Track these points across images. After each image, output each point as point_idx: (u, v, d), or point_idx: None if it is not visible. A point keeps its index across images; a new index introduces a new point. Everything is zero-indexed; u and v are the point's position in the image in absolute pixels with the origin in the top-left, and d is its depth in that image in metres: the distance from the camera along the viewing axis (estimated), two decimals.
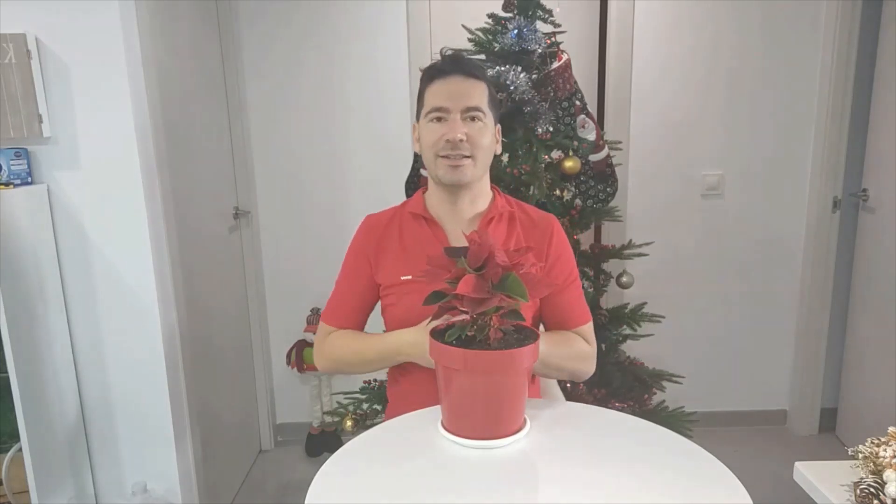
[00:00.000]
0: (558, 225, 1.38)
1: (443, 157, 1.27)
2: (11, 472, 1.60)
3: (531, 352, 1.02)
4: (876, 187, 2.64)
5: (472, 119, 1.27)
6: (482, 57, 1.95)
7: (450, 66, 1.29)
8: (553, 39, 1.95)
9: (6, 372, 1.52)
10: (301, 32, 2.60)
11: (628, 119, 2.70)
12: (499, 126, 1.36)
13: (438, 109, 1.27)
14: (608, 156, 1.99)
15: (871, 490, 1.00)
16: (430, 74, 1.31)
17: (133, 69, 1.69)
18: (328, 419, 2.70)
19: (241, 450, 2.66)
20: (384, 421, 1.23)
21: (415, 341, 1.23)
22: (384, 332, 1.37)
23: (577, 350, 1.33)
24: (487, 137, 1.29)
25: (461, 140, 1.25)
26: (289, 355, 2.79)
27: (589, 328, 1.37)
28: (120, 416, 1.83)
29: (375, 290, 1.37)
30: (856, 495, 1.02)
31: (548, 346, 1.24)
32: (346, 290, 1.39)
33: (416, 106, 1.36)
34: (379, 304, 1.40)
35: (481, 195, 1.36)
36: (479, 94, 1.28)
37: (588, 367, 1.35)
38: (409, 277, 1.29)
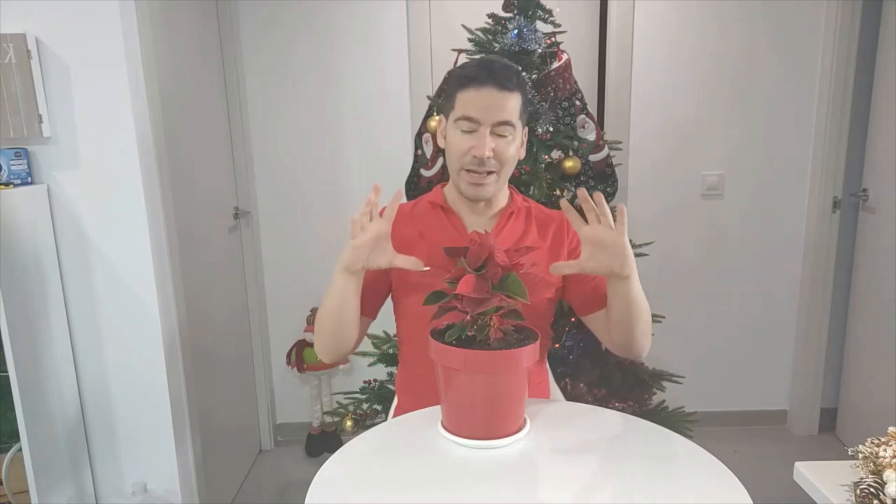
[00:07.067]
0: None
1: (468, 171, 1.28)
2: (11, 472, 1.60)
3: (531, 352, 1.02)
4: (876, 187, 2.64)
5: (501, 134, 1.26)
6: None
7: (485, 76, 1.24)
8: (553, 39, 1.95)
9: (6, 372, 1.52)
10: (301, 33, 2.60)
11: (628, 119, 2.70)
12: (526, 129, 1.35)
13: (469, 120, 1.25)
14: (608, 156, 1.98)
15: (871, 490, 1.00)
16: (464, 80, 1.27)
17: (133, 69, 1.69)
18: (328, 419, 2.71)
19: (241, 450, 2.66)
20: (393, 415, 1.21)
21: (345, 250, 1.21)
22: (396, 327, 1.39)
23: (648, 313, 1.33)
24: (513, 149, 1.29)
25: (489, 157, 1.25)
26: (289, 355, 2.79)
27: None
28: (120, 416, 1.83)
29: (387, 277, 1.34)
30: (856, 495, 1.02)
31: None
32: None
33: (443, 99, 1.34)
34: (390, 298, 1.38)
35: (498, 195, 1.37)
36: (511, 106, 1.25)
37: (649, 337, 1.34)
38: (427, 269, 1.27)
